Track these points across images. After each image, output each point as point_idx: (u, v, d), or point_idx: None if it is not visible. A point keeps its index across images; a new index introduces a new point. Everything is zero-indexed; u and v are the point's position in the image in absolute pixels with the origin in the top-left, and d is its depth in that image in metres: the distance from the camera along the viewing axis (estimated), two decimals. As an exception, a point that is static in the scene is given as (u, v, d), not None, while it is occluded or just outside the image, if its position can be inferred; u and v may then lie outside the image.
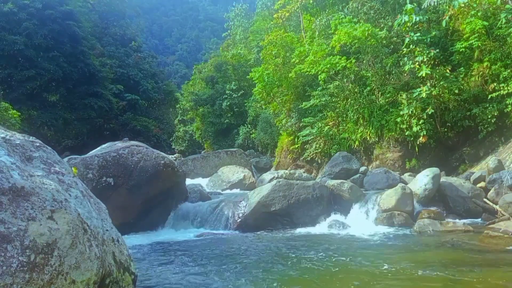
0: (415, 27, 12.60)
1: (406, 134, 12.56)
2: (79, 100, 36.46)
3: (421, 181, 8.78)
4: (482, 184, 9.16)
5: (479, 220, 8.18)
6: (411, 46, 12.41)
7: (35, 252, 2.27)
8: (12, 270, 2.15)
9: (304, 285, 4.50)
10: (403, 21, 12.58)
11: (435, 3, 12.14)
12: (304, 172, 13.86)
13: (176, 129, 44.57)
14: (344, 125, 14.86)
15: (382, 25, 14.60)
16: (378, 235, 7.29)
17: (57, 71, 34.71)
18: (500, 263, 5.12)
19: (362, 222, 8.30)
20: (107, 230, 3.15)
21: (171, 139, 43.88)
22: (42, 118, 33.65)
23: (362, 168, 12.11)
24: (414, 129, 12.21)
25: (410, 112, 12.33)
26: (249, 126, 29.27)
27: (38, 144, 3.20)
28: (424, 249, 6.09)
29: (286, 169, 14.81)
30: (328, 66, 14.09)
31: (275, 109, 19.65)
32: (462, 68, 12.63)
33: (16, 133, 3.27)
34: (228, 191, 13.48)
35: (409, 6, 12.44)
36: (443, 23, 12.54)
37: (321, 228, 8.15)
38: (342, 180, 9.67)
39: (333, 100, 15.24)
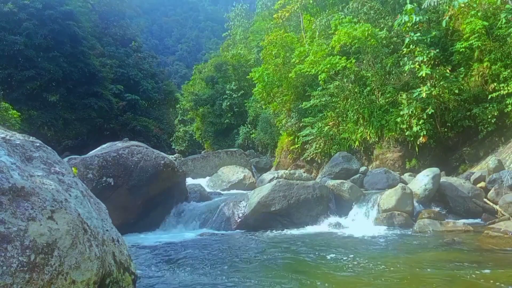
0: (415, 27, 12.60)
1: (406, 134, 12.56)
2: (79, 100, 36.45)
3: (421, 181, 8.78)
4: (482, 184, 9.16)
5: (479, 220, 8.18)
6: (411, 46, 12.41)
7: (35, 252, 2.27)
8: (12, 270, 2.15)
9: (304, 285, 4.50)
10: (403, 21, 12.59)
11: (435, 3, 12.14)
12: (304, 172, 13.82)
13: (176, 129, 44.58)
14: (344, 125, 14.85)
15: (382, 25, 14.59)
16: (378, 235, 7.28)
17: (57, 71, 34.70)
18: (500, 263, 5.12)
19: (362, 222, 8.30)
20: (107, 230, 3.15)
21: (171, 139, 43.89)
22: (42, 118, 33.62)
23: (362, 168, 12.10)
24: (414, 129, 12.21)
25: (410, 112, 12.33)
26: (249, 126, 29.29)
27: (38, 144, 3.19)
28: (424, 249, 6.09)
29: (286, 169, 14.78)
30: (328, 66, 14.09)
31: (275, 109, 19.65)
32: (462, 68, 12.63)
33: (16, 133, 3.26)
34: (228, 191, 13.47)
35: (409, 6, 12.44)
36: (443, 23, 12.54)
37: (321, 228, 8.15)
38: (342, 180, 9.68)
39: (333, 100, 15.23)
